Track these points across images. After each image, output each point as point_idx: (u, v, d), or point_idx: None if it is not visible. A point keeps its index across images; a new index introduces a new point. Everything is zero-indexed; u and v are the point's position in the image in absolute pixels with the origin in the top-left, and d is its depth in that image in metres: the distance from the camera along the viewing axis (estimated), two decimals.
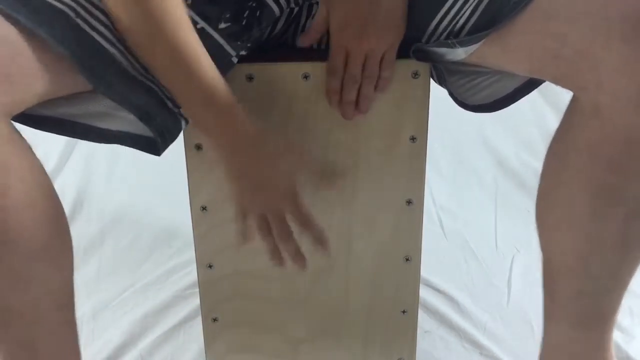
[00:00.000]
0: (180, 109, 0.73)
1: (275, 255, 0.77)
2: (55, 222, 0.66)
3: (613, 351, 0.77)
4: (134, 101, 0.68)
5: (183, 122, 0.74)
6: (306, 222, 0.75)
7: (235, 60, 0.75)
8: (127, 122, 0.71)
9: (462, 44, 0.69)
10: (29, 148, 0.64)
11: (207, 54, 0.67)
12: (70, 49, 0.63)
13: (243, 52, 0.76)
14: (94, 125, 0.72)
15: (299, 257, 0.77)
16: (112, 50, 0.67)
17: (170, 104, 0.72)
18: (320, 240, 0.77)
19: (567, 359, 0.76)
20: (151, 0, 0.63)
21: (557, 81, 0.65)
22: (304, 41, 0.79)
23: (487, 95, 0.80)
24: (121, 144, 0.73)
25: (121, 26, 0.66)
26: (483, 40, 0.68)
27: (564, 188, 0.67)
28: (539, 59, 0.64)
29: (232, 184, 0.75)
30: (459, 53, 0.71)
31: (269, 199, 0.74)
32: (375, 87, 0.76)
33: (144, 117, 0.69)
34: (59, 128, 0.70)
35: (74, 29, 0.64)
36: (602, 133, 0.61)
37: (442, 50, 0.72)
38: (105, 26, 0.67)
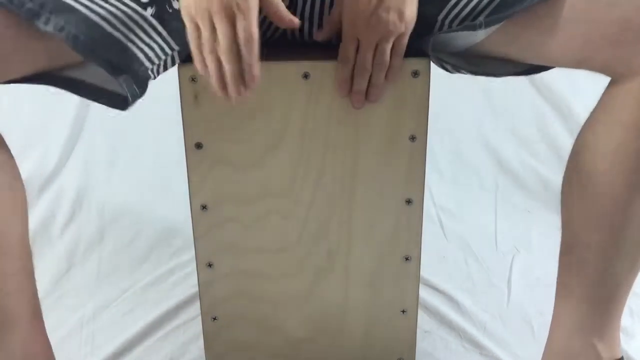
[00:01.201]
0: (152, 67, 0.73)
1: (219, 76, 0.67)
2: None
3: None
4: (102, 54, 0.67)
5: (152, 77, 0.74)
6: (251, 36, 0.64)
7: None
8: (94, 73, 0.71)
9: (488, 24, 0.69)
10: None
11: None
12: (28, 10, 0.63)
13: None
14: (61, 74, 0.72)
15: (240, 79, 0.66)
16: (77, 6, 0.67)
17: (141, 57, 0.71)
18: (252, 66, 0.65)
19: (581, 336, 0.77)
20: None
21: (606, 68, 0.66)
22: (318, 36, 0.79)
23: (506, 72, 0.80)
24: (87, 97, 0.72)
25: None
26: (515, 24, 0.68)
27: (607, 164, 0.68)
28: (595, 47, 0.65)
29: None
30: (479, 35, 0.72)
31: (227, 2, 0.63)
32: (385, 77, 0.75)
33: (113, 69, 0.68)
34: (23, 78, 0.70)
35: None
36: None
37: (460, 35, 0.72)
38: None
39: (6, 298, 0.72)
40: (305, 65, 0.77)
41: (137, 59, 0.71)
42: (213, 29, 0.64)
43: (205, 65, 0.66)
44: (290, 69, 0.77)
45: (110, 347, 1.05)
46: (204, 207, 0.84)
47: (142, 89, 0.72)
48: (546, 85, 1.53)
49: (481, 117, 1.62)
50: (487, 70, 0.78)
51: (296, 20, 0.67)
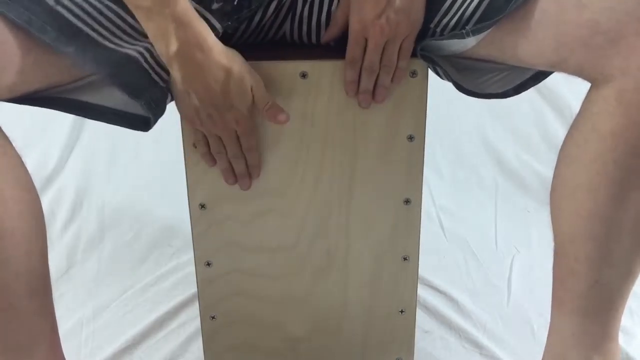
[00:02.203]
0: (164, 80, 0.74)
1: (230, 173, 0.82)
2: (24, 206, 0.67)
3: (619, 342, 0.77)
4: (121, 78, 0.68)
5: (169, 96, 0.75)
6: (252, 147, 0.79)
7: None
8: (112, 97, 0.72)
9: (475, 32, 0.70)
10: (3, 134, 0.65)
11: None
12: (50, 34, 0.64)
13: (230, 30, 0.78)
14: (76, 98, 0.72)
15: (247, 176, 0.82)
16: (92, 34, 0.68)
17: (157, 78, 0.72)
18: (255, 168, 0.82)
19: (577, 349, 0.76)
20: None
21: (580, 71, 0.65)
22: (325, 38, 0.81)
23: (497, 87, 0.80)
24: (105, 121, 0.73)
25: None
26: (495, 27, 0.68)
27: (586, 175, 0.67)
28: (567, 49, 0.64)
29: (185, 101, 0.74)
30: (469, 41, 0.72)
31: (226, 119, 0.75)
32: (392, 78, 0.76)
33: (133, 92, 0.69)
34: (39, 102, 0.70)
35: (53, 15, 0.65)
36: (626, 119, 0.62)
37: (452, 42, 0.73)
38: (85, 12, 0.68)
39: (32, 319, 0.72)
40: (303, 65, 0.77)
41: (153, 79, 0.72)
42: (219, 139, 0.78)
43: (214, 162, 0.81)
44: (288, 69, 0.77)
45: (110, 347, 1.05)
46: (202, 206, 0.84)
47: (160, 108, 0.73)
48: (546, 85, 1.53)
49: (481, 117, 1.62)
50: (474, 85, 0.79)
51: (285, 117, 0.77)
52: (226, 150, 0.79)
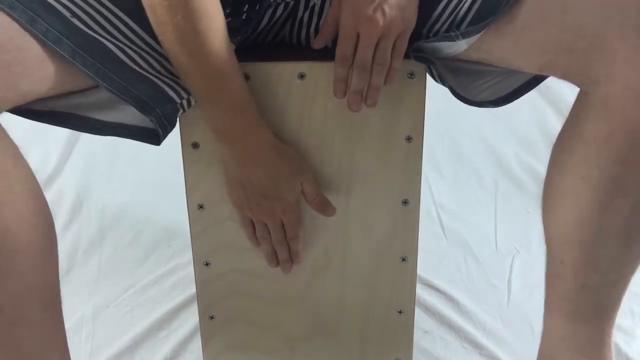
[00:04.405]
0: (191, 102, 0.75)
1: (273, 257, 0.85)
2: (39, 219, 0.66)
3: (612, 349, 0.76)
4: (134, 92, 0.68)
5: (181, 111, 0.74)
6: (296, 236, 0.83)
7: None
8: (124, 113, 0.71)
9: (465, 35, 0.69)
10: (14, 145, 0.64)
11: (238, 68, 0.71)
12: (66, 46, 0.63)
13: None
14: (89, 116, 0.71)
15: (289, 261, 0.85)
16: (109, 45, 0.67)
17: (171, 93, 0.72)
18: (297, 255, 0.85)
19: (567, 353, 0.76)
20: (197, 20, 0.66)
21: (567, 76, 0.65)
22: (317, 43, 0.78)
23: (490, 94, 0.80)
24: (117, 135, 0.73)
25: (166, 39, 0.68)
26: (484, 31, 0.68)
27: (571, 180, 0.67)
28: (552, 53, 0.64)
29: (237, 189, 0.79)
30: (461, 45, 0.71)
31: (274, 209, 0.79)
32: (385, 80, 0.73)
33: (144, 107, 0.68)
34: (52, 119, 0.70)
35: (69, 27, 0.65)
36: (610, 125, 0.62)
37: (443, 44, 0.72)
38: (101, 26, 0.68)
39: (44, 329, 0.71)
40: (301, 66, 0.77)
41: (166, 94, 0.71)
42: (265, 226, 0.81)
43: (259, 244, 0.84)
44: (286, 69, 0.77)
45: (110, 347, 1.05)
46: (200, 207, 0.84)
47: (171, 124, 0.72)
48: (547, 85, 1.53)
49: (481, 117, 1.62)
50: (467, 91, 0.78)
51: (332, 211, 0.82)
52: (271, 236, 0.82)
